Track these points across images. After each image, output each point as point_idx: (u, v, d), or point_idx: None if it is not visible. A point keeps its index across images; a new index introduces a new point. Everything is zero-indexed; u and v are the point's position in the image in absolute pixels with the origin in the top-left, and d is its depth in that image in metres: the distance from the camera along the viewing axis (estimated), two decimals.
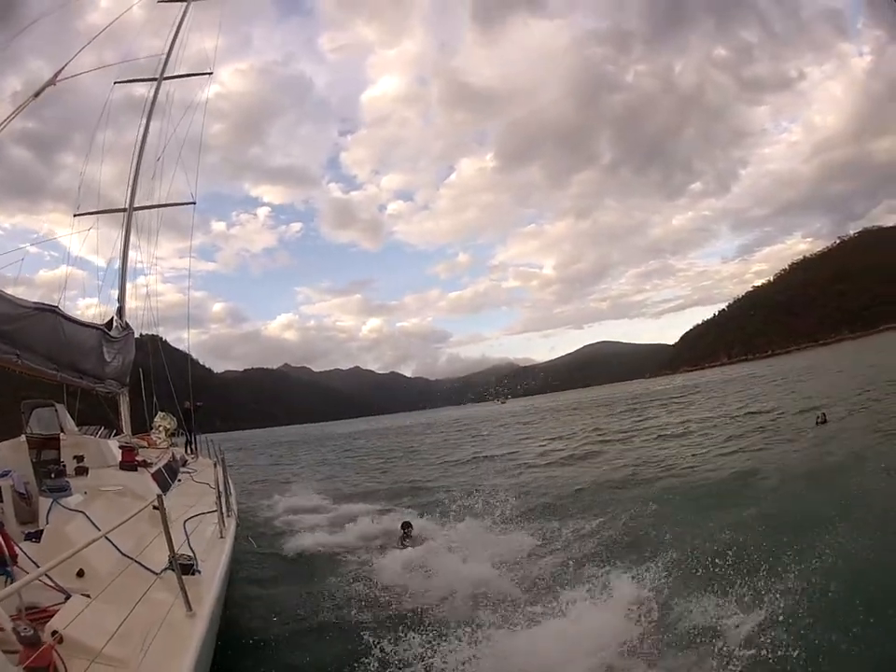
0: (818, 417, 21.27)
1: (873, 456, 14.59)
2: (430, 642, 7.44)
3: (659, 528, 11.59)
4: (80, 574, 5.09)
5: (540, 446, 31.80)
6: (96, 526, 5.79)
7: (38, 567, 4.90)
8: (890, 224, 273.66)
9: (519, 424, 58.51)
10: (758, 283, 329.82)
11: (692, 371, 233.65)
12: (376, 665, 7.15)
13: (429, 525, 14.47)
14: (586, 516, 13.29)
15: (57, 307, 8.86)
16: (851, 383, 36.04)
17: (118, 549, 5.51)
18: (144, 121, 16.20)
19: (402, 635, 7.73)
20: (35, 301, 8.14)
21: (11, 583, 4.48)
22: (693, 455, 20.24)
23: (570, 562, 10.24)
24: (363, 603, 9.47)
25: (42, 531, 5.63)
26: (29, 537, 5.57)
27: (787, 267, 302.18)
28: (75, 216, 15.63)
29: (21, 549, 5.07)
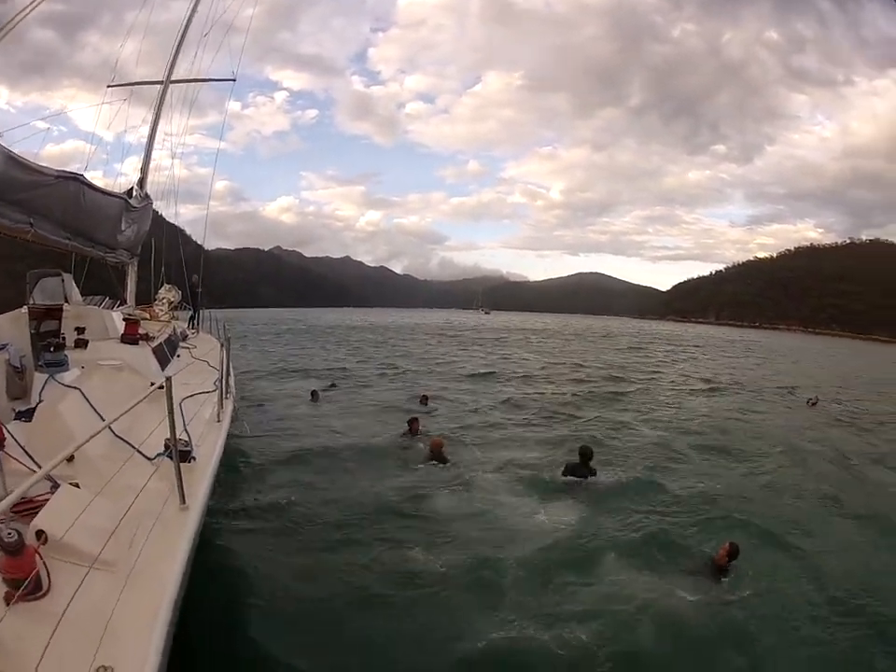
0: (809, 399, 22.00)
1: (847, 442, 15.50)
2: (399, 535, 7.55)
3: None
4: (70, 459, 4.51)
5: None
6: (91, 406, 5.23)
7: (26, 451, 4.37)
8: None
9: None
10: (761, 255, 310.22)
11: (679, 321, 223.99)
12: (363, 565, 6.94)
13: (435, 426, 14.31)
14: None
15: (82, 175, 7.94)
16: (839, 375, 37.35)
17: (112, 431, 4.93)
18: None
19: (380, 528, 7.86)
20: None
21: None
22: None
23: None
24: (349, 498, 9.15)
25: (34, 409, 5.03)
26: (20, 416, 4.94)
27: (793, 248, 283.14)
28: (108, 86, 14.21)
29: (8, 431, 4.41)
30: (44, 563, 2.91)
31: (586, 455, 10.40)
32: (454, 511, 8.79)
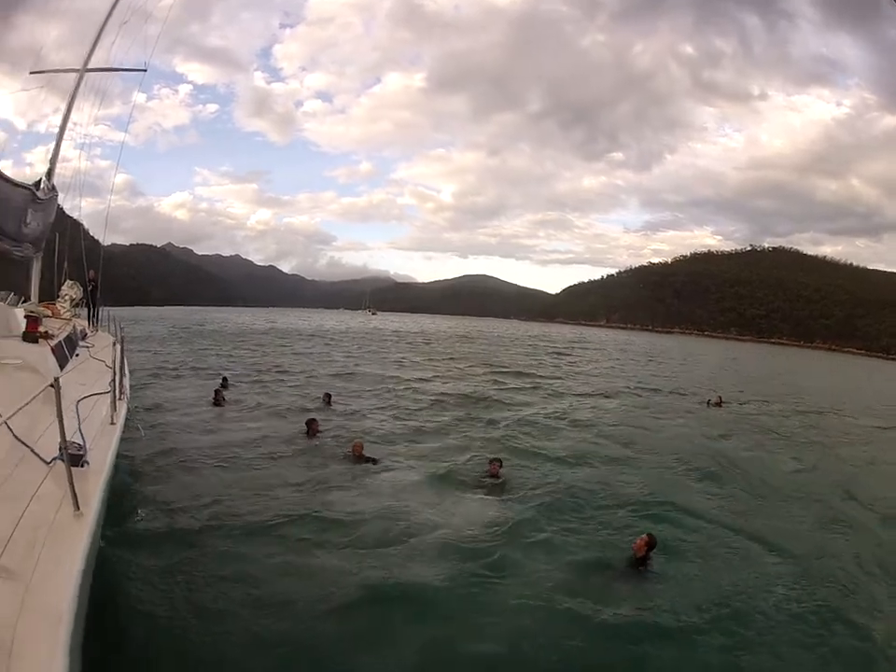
0: (710, 399, 22.96)
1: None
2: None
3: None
4: None
5: None
6: None
7: None
8: (810, 252, 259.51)
9: None
10: (655, 260, 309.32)
11: (568, 324, 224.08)
12: (274, 570, 6.79)
13: (341, 423, 14.50)
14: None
15: None
16: (738, 377, 40.69)
17: (12, 432, 4.77)
18: None
19: (288, 541, 7.57)
20: None
21: None
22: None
23: None
24: (252, 501, 8.90)
25: None
26: None
27: (688, 254, 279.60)
28: (31, 73, 13.39)
29: None
30: None
31: (497, 463, 10.76)
32: (373, 511, 8.79)
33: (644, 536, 7.52)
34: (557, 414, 18.63)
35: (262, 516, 8.38)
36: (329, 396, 17.62)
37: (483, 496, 9.89)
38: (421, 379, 26.07)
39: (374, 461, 11.38)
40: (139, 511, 8.17)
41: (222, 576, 6.56)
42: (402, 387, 22.78)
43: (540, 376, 30.15)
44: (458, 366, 33.50)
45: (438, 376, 27.48)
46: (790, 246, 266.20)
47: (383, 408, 17.93)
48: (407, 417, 16.70)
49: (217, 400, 16.60)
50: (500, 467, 10.76)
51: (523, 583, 6.92)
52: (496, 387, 24.25)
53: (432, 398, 20.40)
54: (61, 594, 2.98)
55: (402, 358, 36.90)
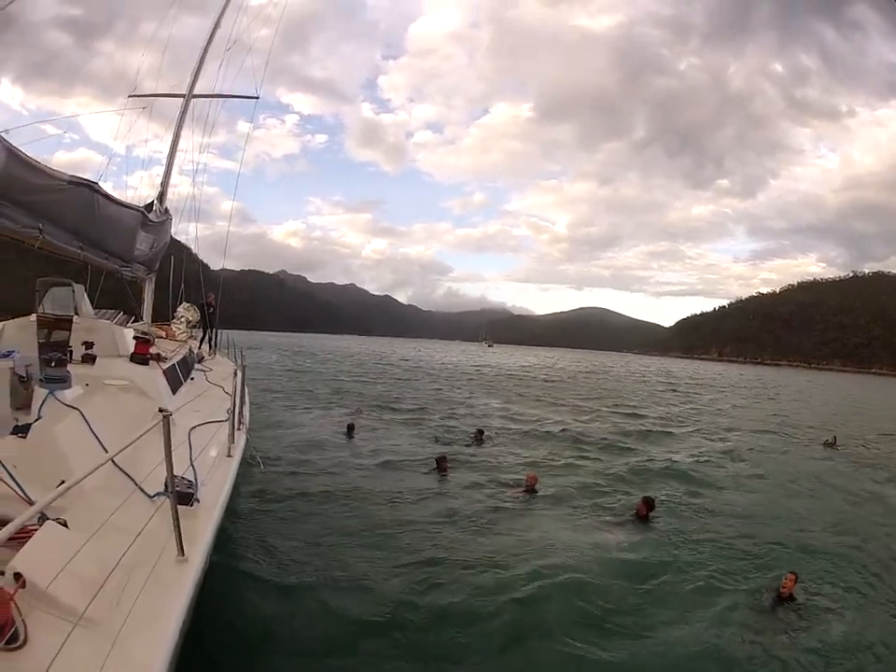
0: (826, 440, 21.65)
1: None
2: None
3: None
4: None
5: None
6: (91, 429, 4.74)
7: (11, 474, 3.77)
8: None
9: None
10: (763, 290, 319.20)
11: (681, 357, 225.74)
12: (391, 620, 6.07)
13: (488, 459, 14.08)
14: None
15: (95, 183, 7.69)
16: (849, 412, 38.29)
17: (114, 463, 4.23)
18: (221, 9, 14.43)
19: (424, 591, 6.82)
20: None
21: None
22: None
23: None
24: (377, 544, 8.10)
25: (30, 425, 4.49)
26: (17, 430, 4.42)
27: (795, 283, 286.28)
28: (129, 96, 13.97)
29: None
30: (20, 612, 2.45)
31: (650, 504, 10.42)
32: (507, 552, 8.30)
33: (791, 575, 7.56)
34: (700, 455, 17.34)
35: (388, 560, 7.66)
36: (481, 432, 16.69)
37: (629, 535, 9.51)
38: (566, 419, 24.17)
39: (535, 492, 11.30)
40: (251, 555, 7.48)
41: (344, 636, 5.80)
42: (542, 424, 21.58)
43: (679, 417, 28.09)
44: (599, 406, 30.89)
45: (580, 414, 25.92)
46: (888, 270, 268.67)
47: (527, 445, 16.90)
48: (551, 455, 15.75)
49: (350, 434, 15.82)
50: (648, 506, 10.37)
51: (674, 629, 6.49)
52: (635, 427, 22.70)
53: (577, 438, 18.98)
54: (152, 654, 2.61)
55: (541, 395, 34.84)
